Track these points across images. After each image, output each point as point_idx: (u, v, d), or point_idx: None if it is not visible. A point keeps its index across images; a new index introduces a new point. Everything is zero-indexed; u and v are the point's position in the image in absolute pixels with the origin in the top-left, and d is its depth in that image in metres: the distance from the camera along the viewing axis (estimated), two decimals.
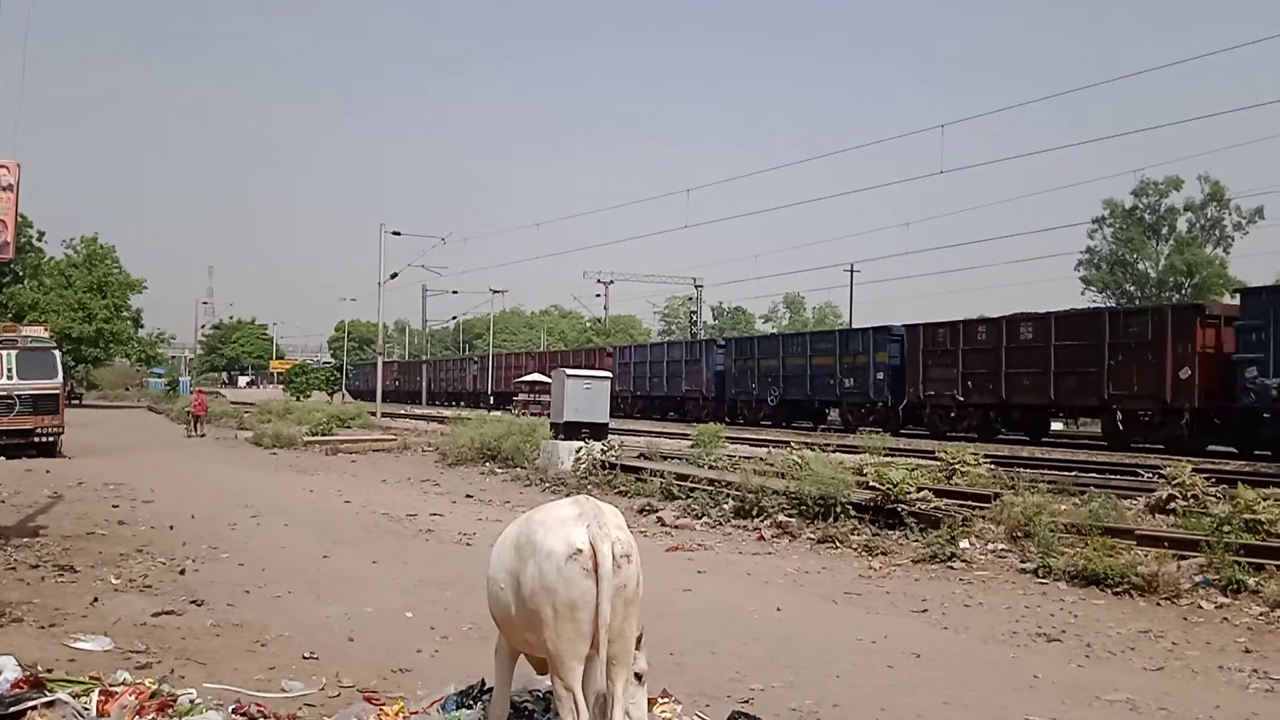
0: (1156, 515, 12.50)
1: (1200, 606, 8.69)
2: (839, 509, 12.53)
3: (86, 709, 4.79)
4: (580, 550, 3.94)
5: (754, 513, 13.37)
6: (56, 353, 24.73)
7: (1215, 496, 12.42)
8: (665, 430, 31.95)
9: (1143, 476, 16.22)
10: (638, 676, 4.50)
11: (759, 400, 40.92)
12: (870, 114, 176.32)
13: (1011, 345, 29.47)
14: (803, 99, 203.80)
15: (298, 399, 53.64)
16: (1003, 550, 10.94)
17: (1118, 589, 9.17)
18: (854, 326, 52.21)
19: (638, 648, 4.52)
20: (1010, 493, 12.96)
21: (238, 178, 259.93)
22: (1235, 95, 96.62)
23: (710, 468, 16.90)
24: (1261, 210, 58.77)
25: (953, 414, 31.81)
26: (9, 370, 22.71)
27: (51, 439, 23.42)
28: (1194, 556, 9.63)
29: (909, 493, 12.35)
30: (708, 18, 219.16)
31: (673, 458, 19.06)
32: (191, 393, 45.80)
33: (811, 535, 12.28)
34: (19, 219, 10.93)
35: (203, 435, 34.41)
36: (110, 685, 5.12)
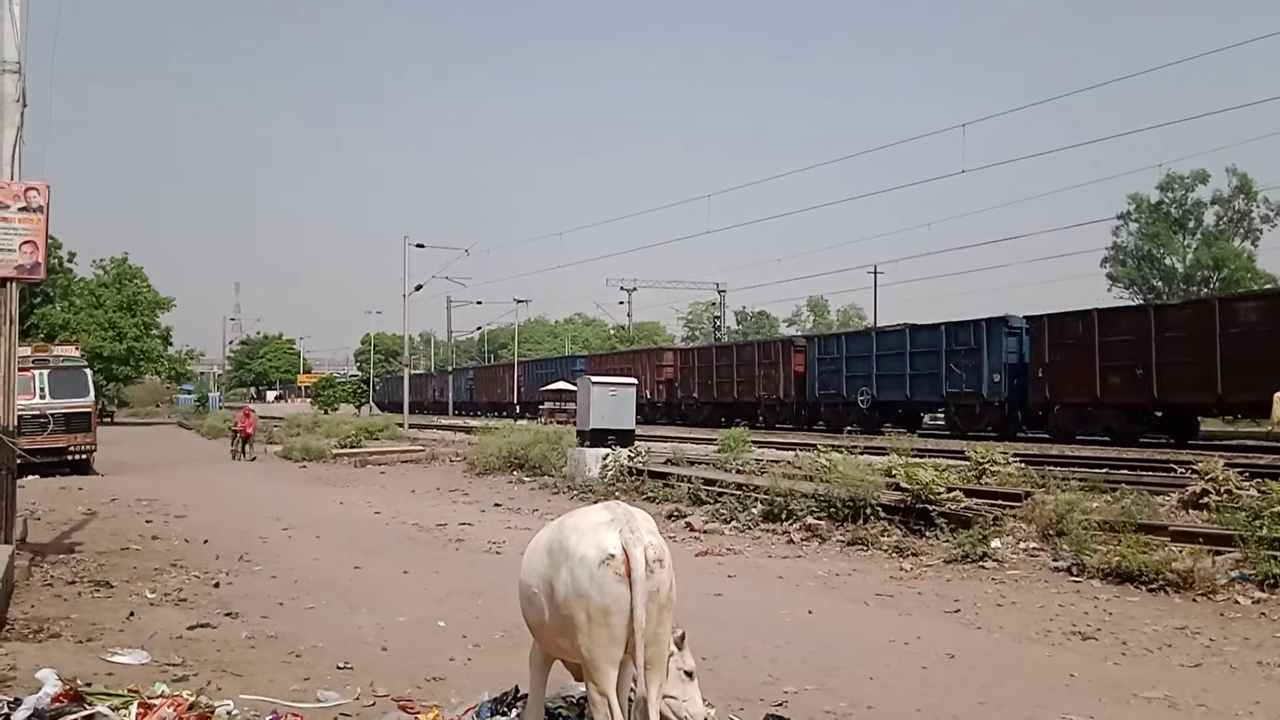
0: (1190, 511, 12.34)
1: (1237, 602, 8.60)
2: (869, 511, 12.48)
3: None
4: (613, 555, 3.95)
5: (783, 516, 13.34)
6: (88, 371, 25.03)
7: (1256, 490, 12.24)
8: (691, 436, 31.95)
9: (1175, 472, 16.04)
10: (688, 674, 4.51)
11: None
12: (891, 115, 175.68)
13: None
14: (822, 101, 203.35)
15: (326, 412, 53.95)
16: (1035, 549, 10.86)
17: (1152, 586, 9.08)
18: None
19: (679, 648, 4.53)
20: (1041, 491, 12.86)
21: (262, 194, 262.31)
22: (1262, 87, 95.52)
23: (738, 472, 16.87)
24: None
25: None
26: (42, 389, 22.99)
27: (84, 456, 23.72)
28: (1229, 551, 9.53)
29: (939, 493, 12.28)
30: (726, 22, 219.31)
31: (699, 463, 19.04)
32: (222, 406, 45.50)
33: (841, 538, 12.24)
34: (49, 240, 11.06)
35: (253, 459, 30.39)
36: (148, 698, 5.18)
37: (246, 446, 31.07)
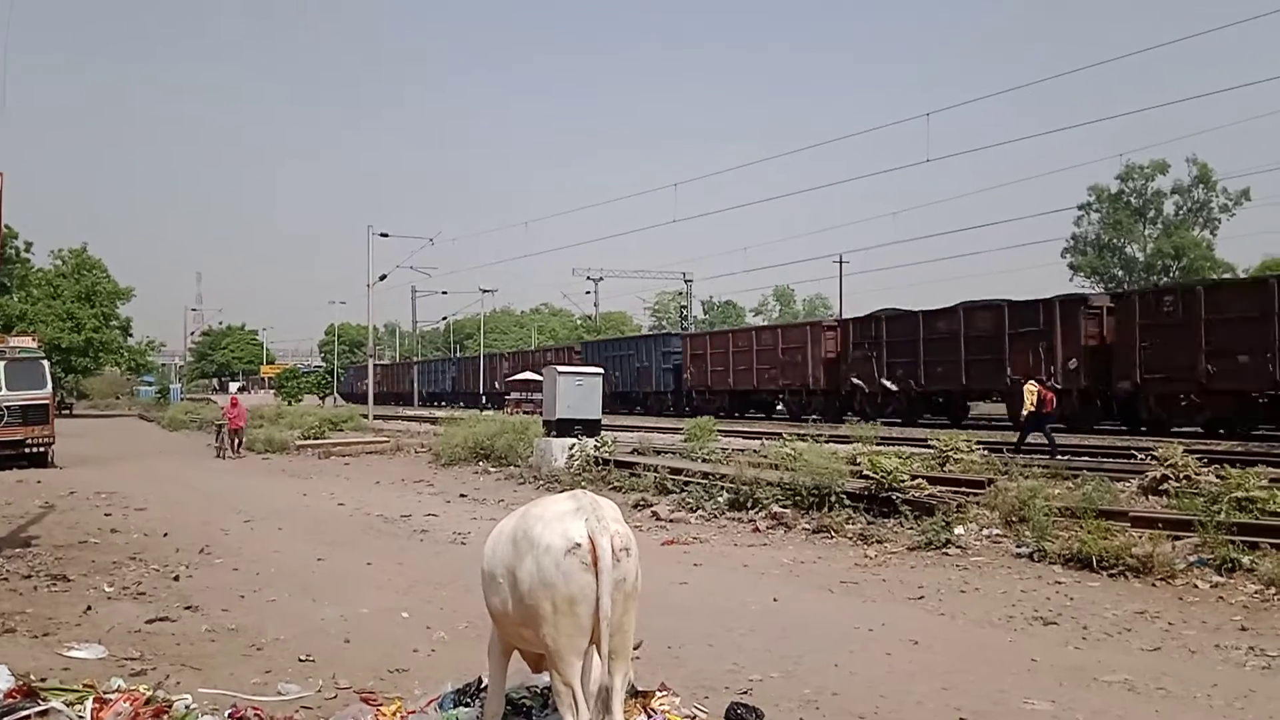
0: (1150, 496, 12.53)
1: (1196, 586, 8.71)
2: (833, 499, 12.52)
3: (81, 717, 4.76)
4: (579, 544, 3.91)
5: (749, 505, 13.36)
6: (45, 363, 24.62)
7: (1213, 477, 12.43)
8: (657, 425, 32.01)
9: (1136, 458, 16.25)
10: None
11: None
12: (856, 104, 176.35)
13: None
14: (788, 90, 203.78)
15: (289, 403, 53.44)
16: (998, 535, 10.95)
17: (1113, 571, 9.17)
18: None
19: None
20: (1004, 478, 12.97)
21: (224, 183, 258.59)
22: (1220, 76, 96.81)
23: (704, 461, 16.88)
24: (1248, 192, 59.16)
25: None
26: None
27: (42, 449, 23.32)
28: (1188, 536, 9.66)
29: (903, 480, 12.35)
30: (691, 11, 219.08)
31: (665, 452, 19.04)
32: (183, 398, 44.63)
33: (807, 526, 12.28)
34: (4, 229, 10.85)
35: (241, 456, 27.63)
36: (105, 693, 5.09)
37: (235, 440, 28.14)
